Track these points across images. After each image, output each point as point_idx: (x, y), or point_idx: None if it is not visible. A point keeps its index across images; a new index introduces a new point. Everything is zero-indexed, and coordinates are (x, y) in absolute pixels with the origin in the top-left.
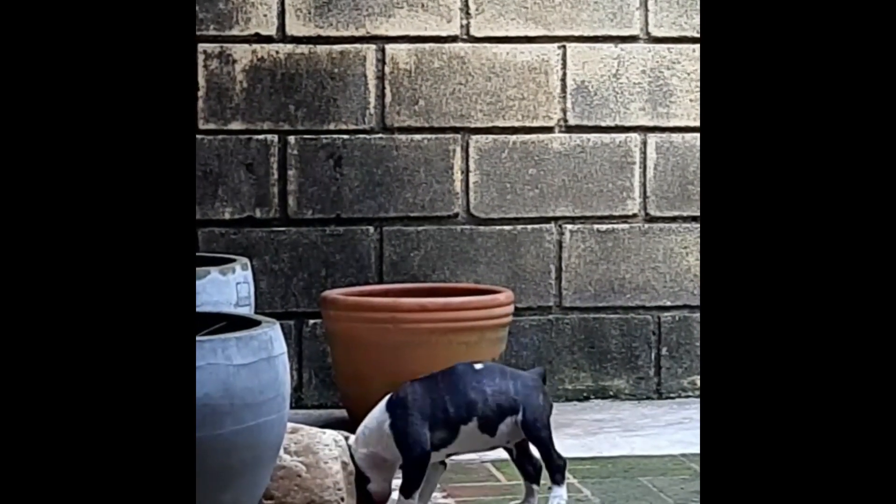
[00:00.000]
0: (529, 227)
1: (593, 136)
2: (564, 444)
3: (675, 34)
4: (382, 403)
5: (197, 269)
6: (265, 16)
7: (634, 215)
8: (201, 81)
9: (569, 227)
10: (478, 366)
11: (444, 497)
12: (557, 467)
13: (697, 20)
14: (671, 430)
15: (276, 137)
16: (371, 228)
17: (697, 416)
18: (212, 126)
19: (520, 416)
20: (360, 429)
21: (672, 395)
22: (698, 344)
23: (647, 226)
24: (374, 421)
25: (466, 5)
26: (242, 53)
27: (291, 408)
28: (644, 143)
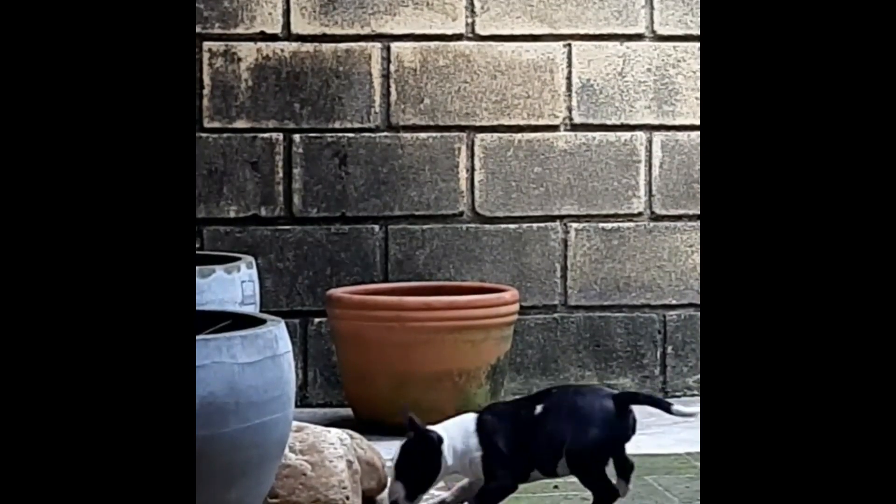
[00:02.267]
0: (535, 225)
1: (598, 135)
2: None
3: (680, 32)
4: (471, 428)
5: (202, 267)
6: (270, 14)
7: (640, 214)
8: (206, 80)
9: (574, 225)
10: (537, 409)
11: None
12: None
13: None
14: (676, 429)
15: (281, 136)
16: (376, 227)
17: None
18: (217, 124)
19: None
20: (447, 442)
21: (677, 393)
22: None
23: (652, 224)
24: (462, 442)
25: (472, 4)
26: (247, 52)
27: (296, 406)
28: (649, 142)
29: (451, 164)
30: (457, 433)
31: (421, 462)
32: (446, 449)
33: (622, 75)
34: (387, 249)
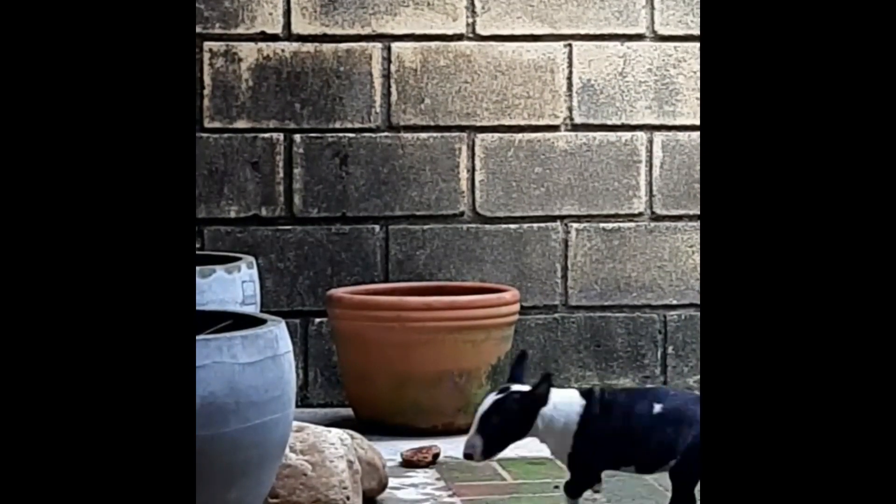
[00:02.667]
0: (535, 225)
1: (599, 135)
2: None
3: (681, 32)
4: (576, 405)
5: (202, 267)
6: (271, 14)
7: (640, 214)
8: (207, 80)
9: (575, 225)
10: (656, 408)
11: (449, 496)
12: None
13: None
14: None
15: (281, 136)
16: (377, 227)
17: None
18: (217, 124)
19: (672, 463)
20: (553, 405)
21: None
22: None
23: (653, 224)
24: (561, 414)
25: (472, 4)
26: (248, 52)
27: (297, 406)
28: (650, 142)
29: (452, 164)
30: (558, 403)
31: (513, 419)
32: (543, 412)
33: (623, 75)
34: (387, 249)
